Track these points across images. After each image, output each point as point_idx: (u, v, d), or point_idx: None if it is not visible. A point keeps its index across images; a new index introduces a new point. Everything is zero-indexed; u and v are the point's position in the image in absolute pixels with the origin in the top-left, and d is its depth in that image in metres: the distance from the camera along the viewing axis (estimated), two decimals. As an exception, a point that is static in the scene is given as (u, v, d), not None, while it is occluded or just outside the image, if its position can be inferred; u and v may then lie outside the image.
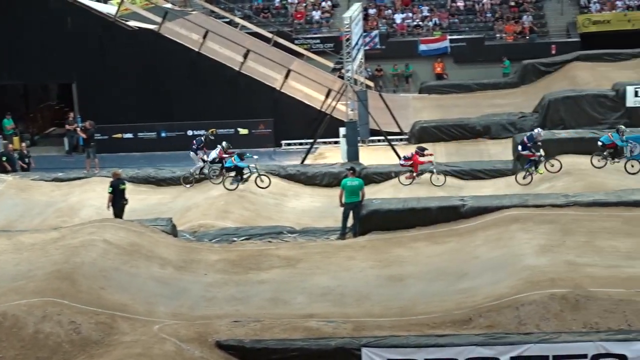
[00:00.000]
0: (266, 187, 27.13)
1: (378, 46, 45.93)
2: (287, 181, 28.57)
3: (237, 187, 26.91)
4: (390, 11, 48.54)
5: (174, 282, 18.90)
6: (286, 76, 37.15)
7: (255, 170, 27.28)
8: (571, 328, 15.47)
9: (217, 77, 36.57)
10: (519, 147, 26.72)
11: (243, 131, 35.86)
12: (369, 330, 16.04)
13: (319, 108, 35.62)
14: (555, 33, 46.38)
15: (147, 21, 38.39)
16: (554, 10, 47.44)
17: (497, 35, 46.58)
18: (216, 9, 46.68)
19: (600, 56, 39.72)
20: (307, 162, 31.55)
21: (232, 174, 27.22)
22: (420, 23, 47.60)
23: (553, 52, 43.73)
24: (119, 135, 36.41)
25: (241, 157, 27.32)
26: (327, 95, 35.63)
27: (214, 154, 28.08)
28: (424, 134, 33.88)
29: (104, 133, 35.25)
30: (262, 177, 27.15)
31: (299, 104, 36.40)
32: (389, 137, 32.67)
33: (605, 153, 26.22)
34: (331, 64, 42.84)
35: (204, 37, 37.55)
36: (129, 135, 36.57)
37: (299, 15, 48.78)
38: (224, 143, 28.33)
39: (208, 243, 21.71)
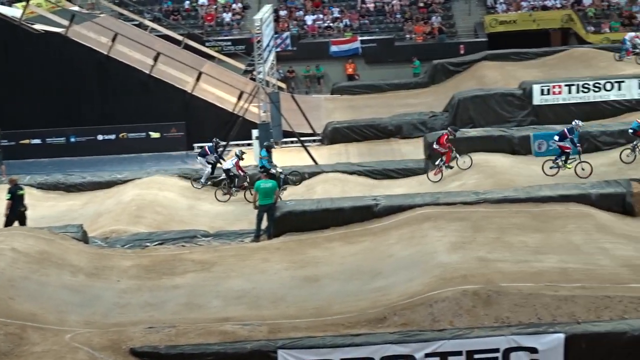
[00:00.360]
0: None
1: (289, 48, 45.98)
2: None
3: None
4: (301, 12, 48.66)
5: (86, 289, 18.55)
6: (197, 79, 36.90)
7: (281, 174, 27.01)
8: (483, 323, 15.68)
9: (128, 81, 36.11)
10: (556, 138, 26.34)
11: (155, 135, 35.52)
12: (285, 332, 16.00)
13: (231, 110, 35.50)
14: (463, 33, 47.16)
15: (54, 24, 37.67)
16: (462, 11, 48.23)
17: (407, 35, 47.11)
18: (125, 12, 46.09)
19: (507, 55, 40.53)
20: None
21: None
22: (331, 24, 47.84)
23: (462, 52, 44.44)
24: (27, 141, 35.65)
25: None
26: (239, 98, 35.54)
27: (229, 164, 27.39)
28: (336, 135, 34.10)
29: (11, 139, 34.48)
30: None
31: (211, 106, 36.19)
32: (302, 139, 32.74)
33: (636, 143, 26.32)
34: (243, 66, 42.73)
35: (113, 40, 37.04)
36: (37, 141, 35.84)
37: (209, 18, 48.49)
38: (237, 150, 27.75)
39: (120, 249, 21.38)
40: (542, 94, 33.52)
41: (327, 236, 21.10)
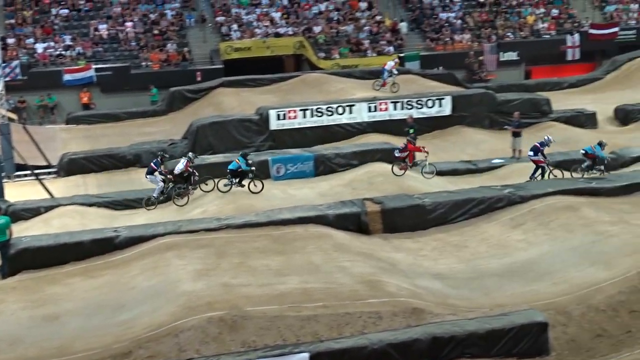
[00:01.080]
0: (259, 192, 26.67)
1: (19, 77, 44.09)
2: None
3: (230, 189, 26.59)
4: (31, 40, 46.84)
5: None
6: None
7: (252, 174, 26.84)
8: (230, 349, 15.76)
9: None
10: (531, 153, 27.19)
11: None
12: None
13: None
14: (199, 60, 47.36)
15: None
16: (198, 38, 48.46)
17: (143, 63, 46.64)
18: None
19: (243, 82, 41.08)
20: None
21: (226, 179, 26.61)
22: (64, 52, 46.41)
23: (199, 78, 44.56)
24: None
25: (245, 157, 26.91)
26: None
27: (180, 166, 27.02)
28: (73, 166, 32.98)
29: None
30: (256, 181, 26.84)
31: None
32: (37, 171, 31.44)
33: (583, 165, 27.40)
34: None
35: None
36: None
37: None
38: (190, 154, 27.58)
39: None
40: (279, 118, 34.33)
41: (66, 272, 20.38)
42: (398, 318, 17.13)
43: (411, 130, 30.73)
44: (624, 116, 37.73)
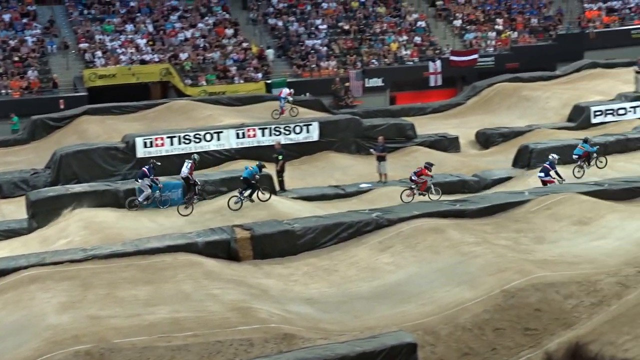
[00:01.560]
0: (266, 201, 27.06)
1: None
2: None
3: (241, 207, 26.85)
4: None
5: None
6: None
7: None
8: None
9: None
10: (541, 174, 28.59)
11: None
12: None
13: None
14: (63, 88, 46.32)
15: None
16: (60, 65, 47.42)
17: (3, 91, 45.28)
18: None
19: (108, 109, 40.40)
20: None
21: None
22: None
23: (62, 106, 43.55)
24: None
25: (261, 168, 27.37)
26: None
27: (184, 169, 27.59)
28: None
29: None
30: (264, 191, 27.30)
31: None
32: None
33: (580, 163, 30.67)
34: None
35: None
36: None
37: None
38: (195, 156, 28.18)
39: None
40: (146, 146, 33.90)
41: None
42: (270, 344, 17.09)
43: (279, 157, 30.87)
44: (484, 140, 38.99)
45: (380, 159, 31.80)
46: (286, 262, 22.40)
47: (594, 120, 39.62)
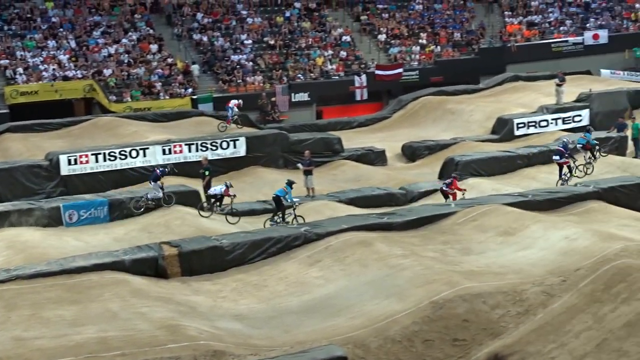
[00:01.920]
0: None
1: None
2: None
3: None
4: None
5: None
6: None
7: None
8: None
9: None
10: (557, 157, 30.00)
11: None
12: None
13: None
14: (-26, 106, 45.39)
15: None
16: (-20, 82, 46.53)
17: None
18: None
19: (31, 127, 39.75)
20: None
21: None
22: None
23: (-19, 125, 42.65)
24: None
25: (291, 185, 27.41)
26: None
27: (218, 189, 28.58)
28: None
29: None
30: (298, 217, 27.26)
31: None
32: None
33: (587, 159, 31.42)
34: None
35: None
36: None
37: None
38: (227, 182, 29.17)
39: None
40: (70, 164, 33.38)
41: None
42: (199, 362, 16.95)
43: (206, 172, 30.71)
44: (411, 153, 39.37)
45: (307, 172, 31.86)
46: (215, 279, 22.26)
47: (517, 132, 40.31)
